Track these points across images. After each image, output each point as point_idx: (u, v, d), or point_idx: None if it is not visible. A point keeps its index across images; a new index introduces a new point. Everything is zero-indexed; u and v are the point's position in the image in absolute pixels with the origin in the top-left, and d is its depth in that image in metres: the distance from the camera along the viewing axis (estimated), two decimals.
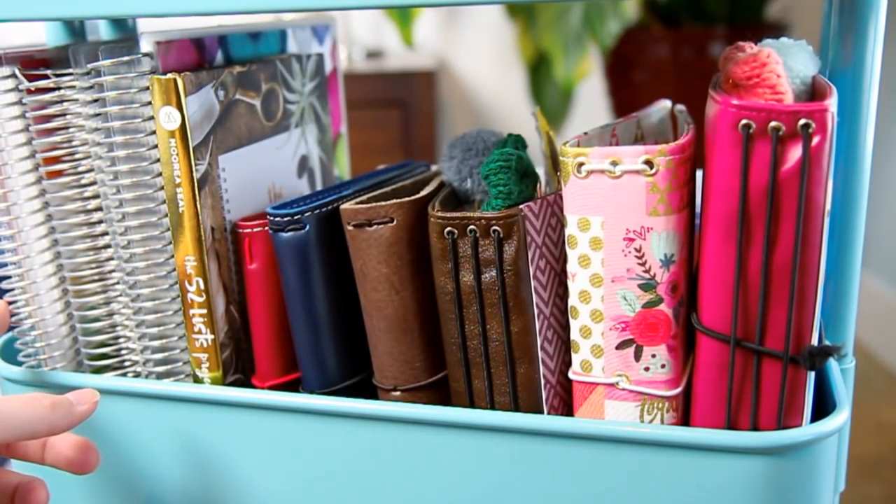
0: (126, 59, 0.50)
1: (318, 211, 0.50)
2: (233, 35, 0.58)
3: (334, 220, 0.50)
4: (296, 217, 0.49)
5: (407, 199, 0.48)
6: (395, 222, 0.47)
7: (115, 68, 0.50)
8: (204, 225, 0.51)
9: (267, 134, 0.58)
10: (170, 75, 0.49)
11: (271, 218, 0.50)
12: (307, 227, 0.49)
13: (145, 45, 0.51)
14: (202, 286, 0.52)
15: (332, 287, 0.51)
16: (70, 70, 0.51)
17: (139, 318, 0.54)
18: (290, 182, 0.61)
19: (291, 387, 0.54)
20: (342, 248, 0.50)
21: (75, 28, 0.63)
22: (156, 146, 0.50)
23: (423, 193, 0.50)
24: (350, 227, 0.48)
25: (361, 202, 0.48)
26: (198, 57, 0.54)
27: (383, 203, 0.47)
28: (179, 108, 0.49)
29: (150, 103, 0.50)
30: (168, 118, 0.49)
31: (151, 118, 0.50)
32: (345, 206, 0.48)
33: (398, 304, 0.48)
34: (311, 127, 0.64)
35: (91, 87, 0.50)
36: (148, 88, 0.50)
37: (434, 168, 0.60)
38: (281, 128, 0.60)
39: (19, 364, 0.56)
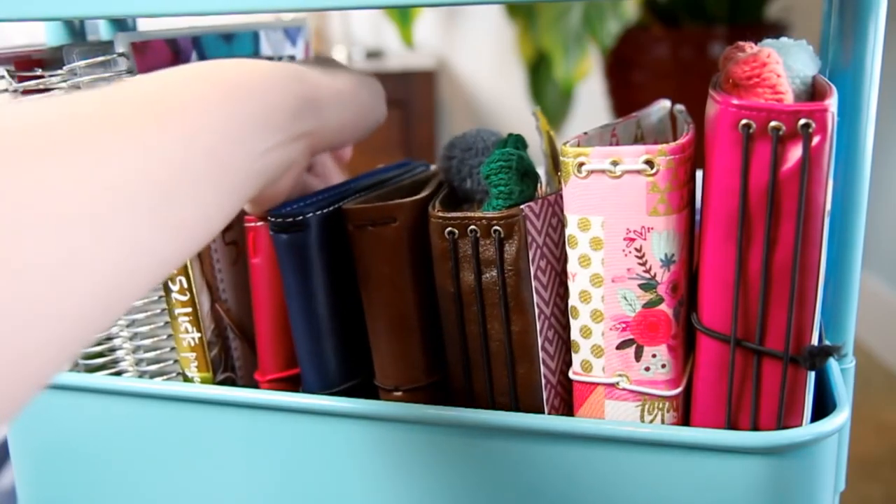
0: (101, 59, 0.50)
1: (319, 212, 0.49)
2: (206, 36, 0.58)
3: (336, 220, 0.50)
4: (297, 218, 0.49)
5: (409, 199, 0.48)
6: (397, 222, 0.47)
7: (90, 69, 0.50)
8: None
9: None
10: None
11: (272, 220, 0.49)
12: (309, 227, 0.49)
13: (120, 47, 0.51)
14: (185, 285, 0.52)
15: (334, 288, 0.51)
16: (59, 71, 0.51)
17: (129, 317, 0.54)
18: None
19: (294, 381, 0.54)
20: (344, 249, 0.50)
21: (75, 28, 0.63)
22: None
23: (424, 193, 0.49)
24: (352, 228, 0.48)
25: (364, 202, 0.48)
26: (173, 58, 0.54)
27: (386, 203, 0.47)
28: None
29: None
30: None
31: None
32: (348, 206, 0.48)
33: (401, 304, 0.48)
34: None
35: (78, 88, 0.51)
36: None
37: (434, 168, 0.60)
38: None
39: None
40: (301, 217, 0.49)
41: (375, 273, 0.48)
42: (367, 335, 0.50)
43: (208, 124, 0.35)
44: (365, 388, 0.52)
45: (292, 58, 0.66)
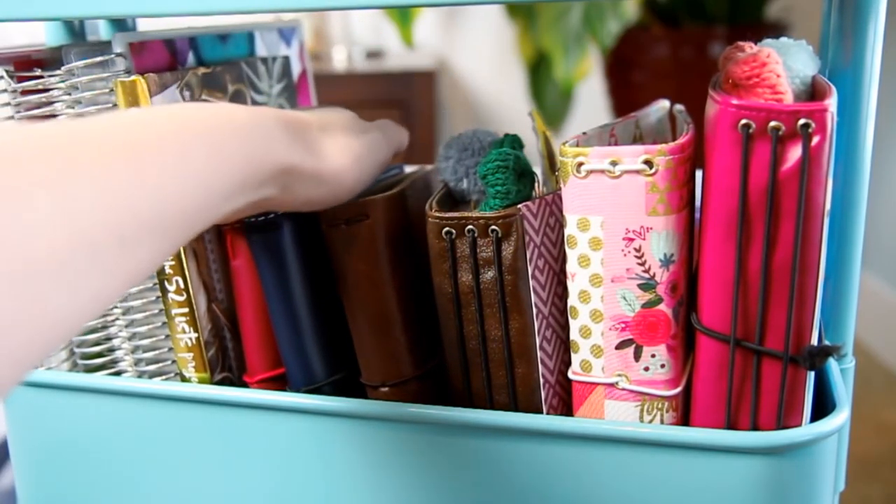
0: (99, 59, 0.50)
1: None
2: (202, 37, 0.58)
3: (309, 219, 0.50)
4: (269, 217, 0.49)
5: (381, 195, 0.48)
6: (370, 219, 0.47)
7: (88, 70, 0.50)
8: None
9: None
10: (132, 77, 0.49)
11: (246, 220, 0.50)
12: (282, 227, 0.49)
13: (118, 47, 0.51)
14: (182, 285, 0.52)
15: (311, 285, 0.51)
16: (58, 71, 0.51)
17: (128, 318, 0.54)
18: None
19: (282, 380, 0.54)
20: (319, 246, 0.50)
21: (75, 28, 0.63)
22: None
23: (395, 190, 0.50)
24: (326, 227, 0.48)
25: None
26: (170, 58, 0.54)
27: (357, 200, 0.47)
28: None
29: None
30: None
31: None
32: None
33: (379, 300, 0.48)
34: None
35: (77, 88, 0.51)
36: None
37: (408, 170, 0.61)
38: None
39: None
40: (274, 216, 0.49)
41: (352, 271, 0.48)
42: (349, 331, 0.51)
43: (171, 169, 0.32)
44: (351, 382, 0.53)
45: (286, 58, 0.66)
